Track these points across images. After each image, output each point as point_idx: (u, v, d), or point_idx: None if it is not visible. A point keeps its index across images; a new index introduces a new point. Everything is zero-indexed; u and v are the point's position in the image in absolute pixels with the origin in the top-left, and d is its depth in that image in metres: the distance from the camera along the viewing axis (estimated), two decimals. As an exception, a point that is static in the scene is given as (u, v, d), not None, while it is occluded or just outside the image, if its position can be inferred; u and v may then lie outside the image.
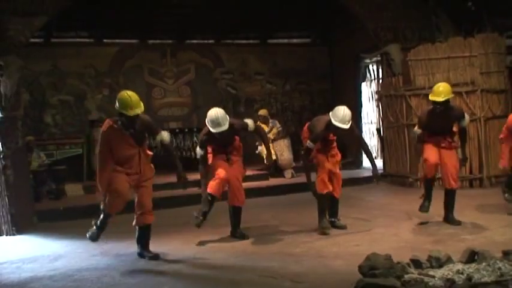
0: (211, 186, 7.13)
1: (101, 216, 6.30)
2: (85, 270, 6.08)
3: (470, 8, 12.23)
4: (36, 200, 10.28)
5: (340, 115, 7.13)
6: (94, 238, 6.40)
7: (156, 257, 6.39)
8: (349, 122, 7.17)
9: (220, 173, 7.17)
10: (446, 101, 7.37)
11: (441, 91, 7.37)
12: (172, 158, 6.86)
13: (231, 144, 7.43)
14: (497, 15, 12.12)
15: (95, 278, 5.71)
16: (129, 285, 5.45)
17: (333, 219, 7.72)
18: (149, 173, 6.51)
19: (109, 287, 5.43)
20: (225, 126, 6.96)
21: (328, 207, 7.68)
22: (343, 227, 7.62)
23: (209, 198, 7.10)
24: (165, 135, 6.57)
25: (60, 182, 11.44)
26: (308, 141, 7.40)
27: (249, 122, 7.45)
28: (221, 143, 7.32)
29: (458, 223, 7.39)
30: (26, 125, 11.04)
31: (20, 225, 8.68)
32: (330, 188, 7.53)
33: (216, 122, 6.95)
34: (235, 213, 7.40)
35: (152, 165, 6.61)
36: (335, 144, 7.77)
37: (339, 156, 7.78)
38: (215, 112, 7.01)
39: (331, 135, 7.59)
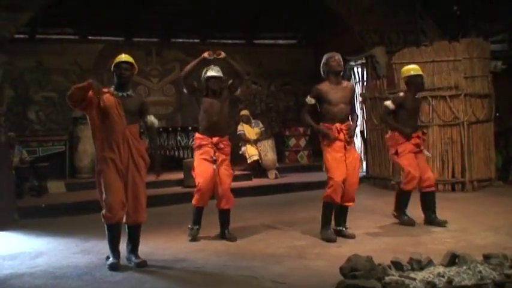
0: (196, 200, 7.13)
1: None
2: (66, 267, 6.03)
3: (455, 12, 12.32)
4: (17, 197, 10.18)
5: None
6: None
7: (143, 263, 6.00)
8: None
9: (202, 183, 7.04)
10: (422, 77, 7.94)
11: (415, 67, 7.97)
12: (153, 142, 6.54)
13: (223, 135, 7.26)
14: (483, 20, 12.23)
15: (76, 276, 5.67)
16: (110, 283, 5.42)
17: (340, 228, 7.11)
18: (141, 166, 6.09)
19: (90, 284, 5.40)
20: (220, 73, 7.70)
21: (336, 214, 7.12)
22: (351, 237, 6.98)
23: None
24: (154, 119, 6.40)
25: (42, 178, 11.36)
26: (308, 97, 7.49)
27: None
28: (212, 112, 7.28)
29: (444, 223, 7.37)
30: (9, 121, 10.95)
31: (1, 222, 8.57)
32: (338, 200, 6.90)
33: (211, 69, 7.71)
34: (223, 215, 7.29)
35: (147, 157, 6.20)
36: (354, 143, 7.40)
37: (357, 162, 7.10)
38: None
39: (341, 103, 7.20)
